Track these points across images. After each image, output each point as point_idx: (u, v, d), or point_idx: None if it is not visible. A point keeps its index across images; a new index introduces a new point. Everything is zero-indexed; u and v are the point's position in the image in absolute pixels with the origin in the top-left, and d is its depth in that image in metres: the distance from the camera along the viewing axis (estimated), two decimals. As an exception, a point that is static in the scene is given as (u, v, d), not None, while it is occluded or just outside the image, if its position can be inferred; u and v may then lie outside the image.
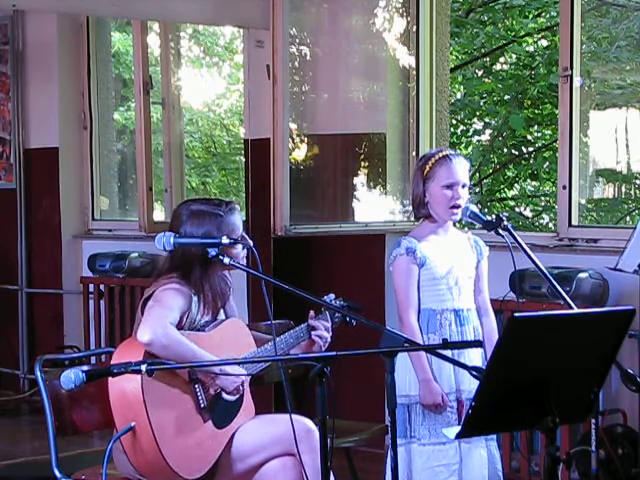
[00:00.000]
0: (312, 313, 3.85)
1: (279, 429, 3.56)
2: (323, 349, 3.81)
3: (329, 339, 3.84)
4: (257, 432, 3.64)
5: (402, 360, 3.97)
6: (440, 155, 4.04)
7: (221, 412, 3.62)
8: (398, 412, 3.91)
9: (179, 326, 3.54)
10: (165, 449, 3.41)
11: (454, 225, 4.17)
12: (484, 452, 4.05)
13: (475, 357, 4.00)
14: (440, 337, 3.94)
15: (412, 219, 4.18)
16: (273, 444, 3.59)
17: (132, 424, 3.40)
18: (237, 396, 3.67)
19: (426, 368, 3.94)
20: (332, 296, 3.85)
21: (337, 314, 3.85)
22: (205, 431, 3.57)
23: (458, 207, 3.98)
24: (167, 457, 3.41)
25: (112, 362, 3.36)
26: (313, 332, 3.81)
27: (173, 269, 3.64)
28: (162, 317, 3.47)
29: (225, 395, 3.63)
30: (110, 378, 3.35)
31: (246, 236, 3.70)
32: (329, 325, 3.86)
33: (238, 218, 3.70)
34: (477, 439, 3.98)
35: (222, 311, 3.79)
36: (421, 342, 3.93)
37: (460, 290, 4.05)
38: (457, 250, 4.09)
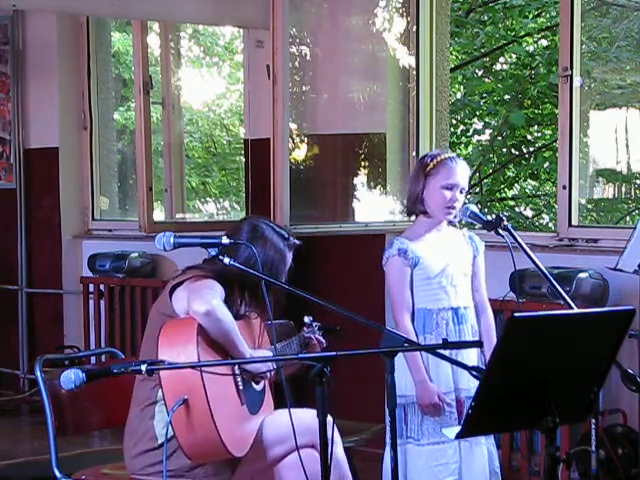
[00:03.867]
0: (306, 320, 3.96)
1: (304, 420, 3.55)
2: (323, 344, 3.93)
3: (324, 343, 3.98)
4: (283, 422, 3.63)
5: (397, 360, 3.97)
6: (444, 156, 4.05)
7: (251, 398, 3.64)
8: (394, 412, 3.92)
9: None
10: (218, 422, 3.36)
11: (449, 224, 4.17)
12: (485, 450, 4.05)
13: (472, 355, 4.00)
14: (437, 337, 3.94)
15: (412, 218, 4.16)
16: (298, 435, 3.59)
17: (185, 397, 3.33)
18: (261, 387, 3.72)
19: (421, 369, 3.94)
20: (310, 318, 3.94)
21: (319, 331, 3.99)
22: (244, 413, 3.57)
23: (453, 208, 3.99)
24: (220, 430, 3.36)
25: (161, 348, 3.34)
26: (311, 337, 3.93)
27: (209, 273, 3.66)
28: (214, 293, 3.48)
29: (253, 383, 3.67)
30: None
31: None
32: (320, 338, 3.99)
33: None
34: (477, 437, 3.98)
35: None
36: (417, 343, 3.94)
37: (456, 288, 4.04)
38: (452, 247, 4.09)
